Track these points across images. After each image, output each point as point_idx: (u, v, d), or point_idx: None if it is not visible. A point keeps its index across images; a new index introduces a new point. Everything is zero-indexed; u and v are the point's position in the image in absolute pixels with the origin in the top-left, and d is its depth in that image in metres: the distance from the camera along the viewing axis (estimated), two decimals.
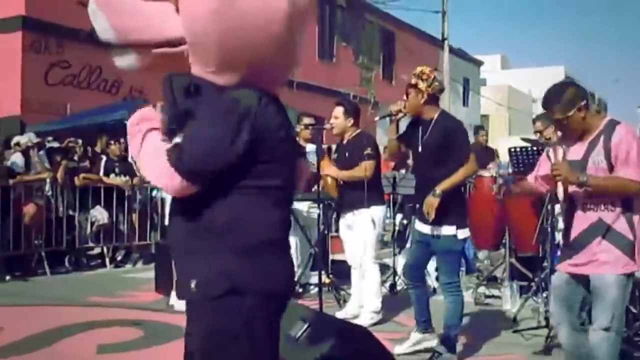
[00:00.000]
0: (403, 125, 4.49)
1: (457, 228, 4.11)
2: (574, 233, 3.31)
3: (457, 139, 4.15)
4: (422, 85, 4.16)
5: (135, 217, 8.86)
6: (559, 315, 3.39)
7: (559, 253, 3.91)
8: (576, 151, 3.32)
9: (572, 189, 3.20)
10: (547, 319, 4.84)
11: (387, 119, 4.50)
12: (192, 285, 1.89)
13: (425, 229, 4.21)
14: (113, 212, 8.56)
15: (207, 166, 1.83)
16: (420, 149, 4.27)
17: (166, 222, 6.05)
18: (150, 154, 1.88)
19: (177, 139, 1.87)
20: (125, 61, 2.01)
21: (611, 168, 3.19)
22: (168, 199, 5.92)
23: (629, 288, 3.23)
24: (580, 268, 3.27)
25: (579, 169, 3.22)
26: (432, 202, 4.01)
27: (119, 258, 8.82)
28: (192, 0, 1.87)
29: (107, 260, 8.53)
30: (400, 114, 4.34)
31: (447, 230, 4.11)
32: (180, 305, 5.60)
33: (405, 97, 4.29)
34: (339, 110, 5.36)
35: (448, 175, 4.06)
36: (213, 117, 1.85)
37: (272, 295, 1.93)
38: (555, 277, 3.46)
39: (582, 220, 3.25)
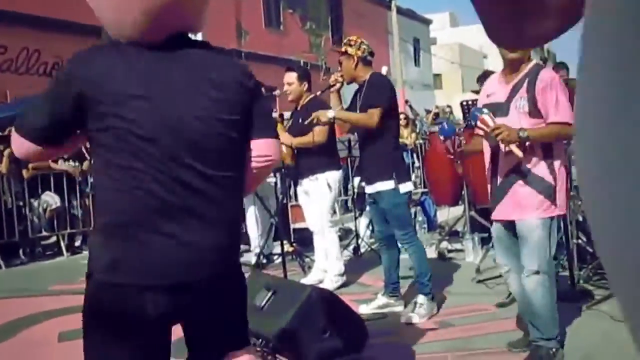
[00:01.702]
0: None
1: (397, 182, 4.18)
2: (498, 181, 3.32)
3: (376, 88, 4.26)
4: (351, 50, 4.38)
5: (88, 201, 8.64)
6: (506, 263, 3.43)
7: None
8: (498, 94, 3.32)
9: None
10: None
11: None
12: None
13: (369, 188, 4.35)
14: (65, 199, 8.32)
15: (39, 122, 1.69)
16: (358, 111, 4.36)
17: None
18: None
19: None
20: None
21: (534, 113, 3.18)
22: None
23: (554, 231, 3.26)
24: (508, 215, 3.30)
25: (502, 112, 3.24)
26: (321, 114, 4.51)
27: (76, 245, 8.61)
28: None
29: (64, 247, 8.31)
30: (338, 84, 4.56)
31: (387, 185, 4.20)
32: None
33: (339, 68, 4.51)
34: (292, 76, 5.28)
35: (384, 134, 4.21)
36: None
37: (122, 286, 1.62)
38: (493, 228, 3.49)
39: (504, 168, 3.26)
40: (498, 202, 3.33)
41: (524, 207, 3.21)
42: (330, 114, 4.46)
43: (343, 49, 4.44)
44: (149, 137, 1.62)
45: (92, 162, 1.73)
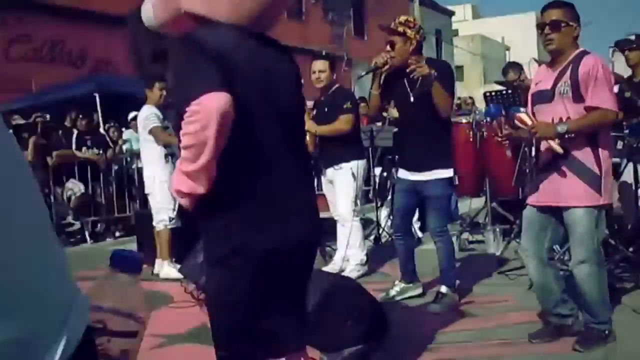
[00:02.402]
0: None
1: (454, 172, 4.15)
2: (541, 166, 3.38)
3: (444, 77, 4.07)
4: (410, 32, 4.08)
5: (112, 189, 8.74)
6: (528, 248, 3.45)
7: None
8: (546, 81, 3.36)
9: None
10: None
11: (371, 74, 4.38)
12: None
13: (419, 176, 4.20)
14: (89, 186, 8.42)
15: None
16: (412, 99, 4.17)
17: (145, 191, 5.98)
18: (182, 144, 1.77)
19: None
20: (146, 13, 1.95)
21: (577, 98, 3.20)
22: (146, 169, 5.83)
23: (601, 220, 3.28)
24: (548, 201, 3.33)
25: (546, 98, 3.28)
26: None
27: (99, 232, 8.72)
28: None
29: (87, 235, 8.42)
30: (387, 66, 4.16)
31: (444, 173, 4.12)
32: (165, 272, 5.61)
33: (389, 48, 4.14)
34: (325, 64, 5.23)
35: (440, 120, 4.06)
36: (189, 68, 1.78)
37: (271, 253, 1.93)
38: (526, 211, 3.50)
39: (549, 153, 3.29)
40: (537, 186, 3.37)
41: (570, 196, 3.23)
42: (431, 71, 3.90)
43: (401, 29, 4.06)
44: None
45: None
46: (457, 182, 4.22)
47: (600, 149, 3.23)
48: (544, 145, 3.30)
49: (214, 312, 1.98)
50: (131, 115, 8.60)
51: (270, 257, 1.88)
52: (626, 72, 5.43)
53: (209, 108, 1.66)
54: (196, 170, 1.74)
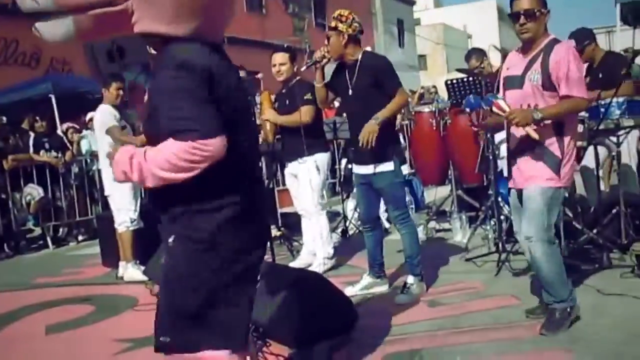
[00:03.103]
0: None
1: (399, 163, 4.17)
2: (513, 151, 3.46)
3: (386, 75, 4.17)
4: (342, 26, 4.20)
5: (73, 192, 8.54)
6: (520, 231, 3.49)
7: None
8: (517, 67, 3.41)
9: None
10: (496, 244, 4.93)
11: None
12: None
13: (366, 169, 4.24)
14: (48, 190, 8.21)
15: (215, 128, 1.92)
16: (350, 92, 4.26)
17: (106, 193, 5.85)
18: (165, 155, 1.89)
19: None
20: (60, 30, 1.94)
21: (547, 86, 3.26)
22: (105, 170, 5.69)
23: (555, 202, 3.34)
24: (517, 184, 3.45)
25: (517, 84, 3.35)
26: (372, 128, 3.98)
27: (61, 236, 8.53)
28: None
29: (49, 240, 8.22)
30: (325, 60, 4.30)
31: (387, 166, 4.15)
32: (129, 275, 5.50)
33: (326, 43, 4.28)
34: (285, 56, 5.17)
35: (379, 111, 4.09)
36: (185, 90, 1.90)
37: (240, 251, 2.10)
38: (510, 197, 3.62)
39: (517, 139, 3.38)
40: (511, 172, 3.48)
41: (529, 177, 3.33)
42: (376, 117, 4.02)
43: (333, 24, 4.22)
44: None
45: None
46: (407, 171, 4.25)
47: (564, 135, 3.30)
48: (517, 132, 3.33)
49: (170, 295, 2.05)
50: (89, 115, 8.40)
51: (239, 253, 2.06)
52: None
53: (215, 154, 1.89)
54: (162, 179, 1.92)
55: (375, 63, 4.23)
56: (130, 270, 5.54)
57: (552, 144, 3.28)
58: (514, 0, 3.36)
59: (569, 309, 3.36)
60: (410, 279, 4.27)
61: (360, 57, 4.22)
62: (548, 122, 3.24)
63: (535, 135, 3.19)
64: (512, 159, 3.47)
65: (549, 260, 3.32)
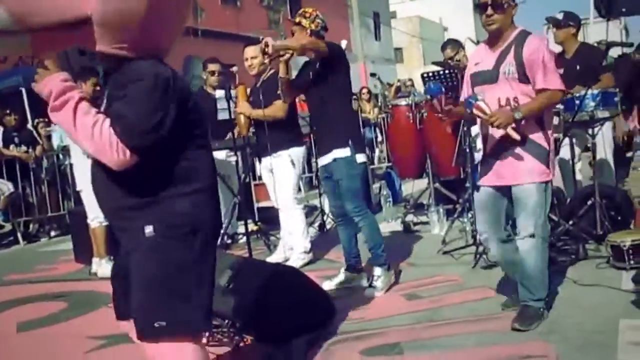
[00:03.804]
0: None
1: (354, 151, 4.13)
2: (491, 146, 3.35)
3: (336, 64, 4.17)
4: (305, 22, 4.31)
5: (44, 188, 8.38)
6: (487, 230, 3.45)
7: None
8: (486, 61, 3.35)
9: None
10: (474, 237, 4.94)
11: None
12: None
13: (324, 159, 4.27)
14: (19, 185, 8.04)
15: (150, 139, 2.03)
16: (312, 85, 4.27)
17: (77, 188, 5.75)
18: (90, 127, 1.98)
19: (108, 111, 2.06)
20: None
21: (523, 78, 3.22)
22: (78, 165, 5.58)
23: (548, 195, 3.33)
24: (501, 180, 3.33)
25: (491, 79, 3.28)
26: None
27: (32, 232, 8.37)
28: None
29: (20, 236, 8.06)
30: (288, 54, 4.23)
31: (342, 152, 4.14)
32: (103, 271, 5.41)
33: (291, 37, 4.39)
34: (255, 50, 5.08)
35: (338, 103, 4.16)
36: (143, 92, 2.03)
37: (216, 230, 2.36)
38: (478, 193, 3.49)
39: (499, 132, 3.27)
40: (489, 167, 3.36)
41: (521, 173, 3.25)
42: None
43: (297, 20, 4.34)
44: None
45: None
46: (362, 159, 4.22)
47: (546, 126, 3.30)
48: (497, 132, 3.25)
49: (158, 282, 2.09)
50: None
51: (213, 236, 2.28)
52: (559, 49, 5.51)
53: (117, 162, 2.03)
54: (68, 129, 2.04)
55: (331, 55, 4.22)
56: (104, 267, 5.44)
57: (538, 137, 3.25)
58: None
59: (541, 309, 3.35)
60: (377, 271, 4.25)
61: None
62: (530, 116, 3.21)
63: (516, 137, 3.16)
64: (492, 155, 3.36)
65: (538, 257, 3.30)
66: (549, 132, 3.32)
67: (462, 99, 3.60)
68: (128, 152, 1.99)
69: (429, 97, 4.92)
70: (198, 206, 2.15)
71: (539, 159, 3.24)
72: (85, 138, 1.99)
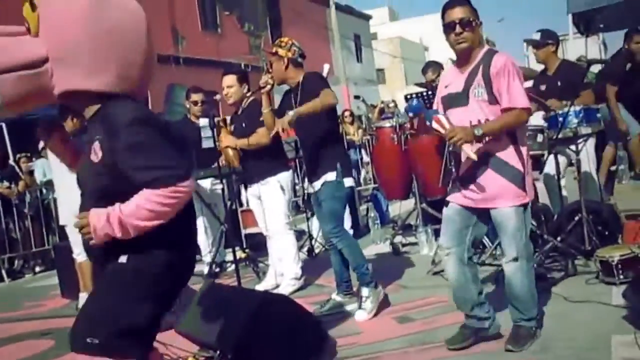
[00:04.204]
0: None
1: (341, 175, 4.18)
2: (464, 166, 3.29)
3: (314, 83, 4.18)
4: (281, 51, 4.31)
5: (27, 222, 8.28)
6: (450, 247, 3.37)
7: None
8: (455, 84, 3.28)
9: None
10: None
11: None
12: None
13: (315, 185, 4.30)
14: (2, 222, 7.94)
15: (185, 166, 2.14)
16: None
17: (61, 223, 5.67)
18: (146, 205, 2.04)
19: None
20: None
21: (492, 99, 3.15)
22: (62, 199, 5.52)
23: (528, 216, 3.27)
24: (473, 201, 3.27)
25: (461, 102, 3.22)
26: (282, 120, 4.03)
27: (17, 269, 8.25)
28: (58, 11, 2.02)
29: (4, 273, 7.94)
30: (268, 86, 4.36)
31: (330, 176, 4.19)
32: None
33: (269, 69, 4.41)
34: (232, 79, 5.14)
35: (326, 130, 4.23)
36: (152, 136, 2.09)
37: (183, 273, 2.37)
38: (447, 209, 3.42)
39: (465, 151, 3.18)
40: (461, 185, 3.30)
41: (497, 197, 3.19)
42: (290, 114, 4.05)
43: (273, 50, 4.35)
44: None
45: None
46: (349, 184, 4.27)
47: (520, 145, 3.21)
48: (464, 154, 3.19)
49: (113, 304, 2.13)
50: (42, 143, 8.18)
51: (181, 277, 2.33)
52: (540, 65, 5.57)
53: (189, 193, 2.10)
54: (141, 228, 2.07)
55: (309, 78, 4.29)
56: None
57: (511, 157, 3.18)
58: (447, 10, 3.23)
59: (534, 328, 3.31)
60: (364, 291, 4.22)
61: (301, 79, 4.30)
62: (502, 135, 3.14)
63: (473, 157, 3.05)
64: (464, 174, 3.28)
65: (524, 279, 3.26)
66: (524, 150, 3.24)
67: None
68: (180, 188, 2.06)
69: (411, 114, 4.96)
70: (173, 243, 2.19)
71: (513, 182, 3.17)
72: (150, 218, 2.06)
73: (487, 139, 3.15)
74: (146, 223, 2.05)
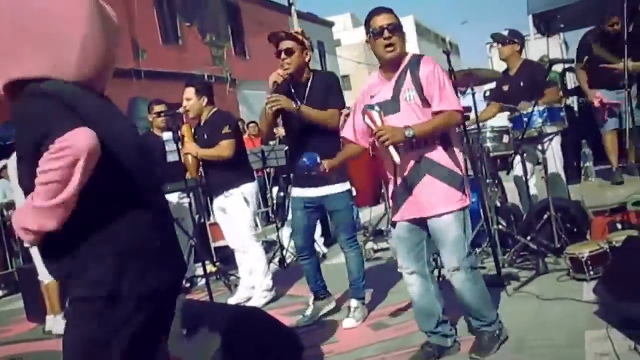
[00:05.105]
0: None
1: (348, 185, 4.19)
2: (400, 178, 3.19)
3: (333, 91, 4.12)
4: (307, 43, 4.11)
5: None
6: (408, 266, 3.28)
7: None
8: (383, 92, 3.19)
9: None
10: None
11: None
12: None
13: (317, 191, 4.14)
14: None
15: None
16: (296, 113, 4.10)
17: (26, 244, 5.51)
18: (38, 180, 1.72)
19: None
20: None
21: (425, 102, 3.10)
22: None
23: (468, 222, 3.20)
24: (417, 212, 3.18)
25: (393, 109, 3.12)
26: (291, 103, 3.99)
27: None
28: None
29: None
30: (281, 79, 4.10)
31: (342, 187, 4.14)
32: (58, 328, 5.18)
33: (286, 62, 4.05)
34: (190, 91, 5.07)
35: (327, 131, 4.01)
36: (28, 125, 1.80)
37: (145, 299, 1.88)
38: (395, 229, 3.33)
39: (406, 162, 3.12)
40: (402, 201, 3.20)
41: (436, 203, 3.10)
42: (300, 105, 4.01)
43: (300, 38, 4.07)
44: None
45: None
46: (354, 193, 4.22)
47: (454, 148, 3.16)
48: (400, 172, 3.11)
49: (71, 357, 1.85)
50: (1, 163, 7.98)
51: (146, 300, 1.88)
52: (503, 66, 5.62)
53: (79, 145, 1.68)
54: (54, 206, 1.72)
55: (328, 80, 4.19)
56: (60, 323, 5.22)
57: (446, 161, 3.11)
58: (373, 17, 3.15)
59: (497, 332, 3.26)
60: (354, 303, 4.23)
61: (311, 76, 4.16)
62: (435, 140, 3.08)
63: (396, 157, 2.94)
64: (403, 188, 3.18)
65: (473, 287, 3.18)
66: (459, 153, 3.18)
67: (346, 134, 3.42)
68: (63, 144, 1.71)
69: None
70: (118, 272, 1.82)
71: (452, 185, 3.09)
72: (51, 191, 1.72)
73: (423, 144, 3.07)
74: (47, 201, 1.70)
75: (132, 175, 1.93)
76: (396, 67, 3.17)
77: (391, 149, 2.94)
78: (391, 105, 3.12)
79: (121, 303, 1.82)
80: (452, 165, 3.11)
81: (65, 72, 1.89)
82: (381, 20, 3.13)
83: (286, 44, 4.06)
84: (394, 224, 3.32)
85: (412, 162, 3.11)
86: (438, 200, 3.09)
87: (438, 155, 3.10)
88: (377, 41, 3.13)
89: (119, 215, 1.85)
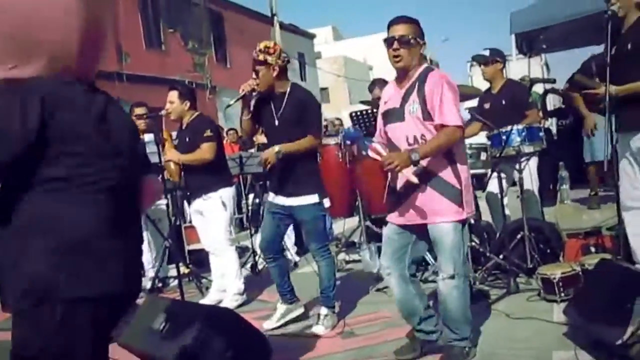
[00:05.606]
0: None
1: (321, 197, 4.18)
2: (400, 184, 3.30)
3: (310, 111, 4.17)
4: (271, 59, 4.11)
5: None
6: (390, 266, 3.39)
7: None
8: (394, 99, 3.33)
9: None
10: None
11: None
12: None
13: (287, 201, 4.21)
14: None
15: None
16: (277, 123, 4.19)
17: None
18: None
19: None
20: None
21: (427, 116, 3.18)
22: None
23: (465, 233, 3.30)
24: (411, 219, 3.29)
25: (398, 117, 3.26)
26: (271, 156, 4.05)
27: None
28: None
29: None
30: (254, 93, 4.20)
31: (310, 199, 4.16)
32: None
33: (254, 76, 4.14)
34: (173, 95, 5.08)
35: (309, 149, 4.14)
36: None
37: (89, 300, 1.75)
38: (386, 228, 3.46)
39: (401, 177, 3.22)
40: (399, 204, 3.32)
41: (435, 212, 3.21)
42: (276, 148, 4.05)
43: (261, 58, 4.11)
44: None
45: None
46: (328, 204, 4.25)
47: (457, 163, 3.24)
48: (402, 178, 3.22)
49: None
50: None
51: (82, 307, 1.74)
52: (484, 85, 5.69)
53: None
54: None
55: (305, 99, 4.19)
56: None
57: (447, 174, 3.20)
58: (392, 25, 3.26)
59: (467, 349, 3.32)
60: (323, 310, 4.27)
61: (288, 89, 4.18)
62: (439, 154, 3.17)
63: (414, 180, 3.06)
64: (402, 192, 3.30)
65: (460, 296, 3.26)
66: (463, 167, 3.26)
67: (375, 137, 3.57)
68: None
69: (348, 142, 5.02)
70: (55, 268, 1.69)
71: (450, 199, 3.19)
72: None
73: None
74: None
75: (103, 169, 1.82)
76: (406, 77, 3.28)
77: (408, 175, 3.07)
78: (397, 114, 3.27)
79: (59, 305, 1.71)
80: (454, 180, 3.21)
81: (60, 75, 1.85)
82: (394, 31, 3.24)
83: (256, 67, 4.14)
84: (386, 223, 3.43)
85: (414, 172, 3.19)
86: (437, 210, 3.20)
87: (439, 167, 3.20)
88: (388, 51, 3.26)
89: (52, 206, 1.73)
